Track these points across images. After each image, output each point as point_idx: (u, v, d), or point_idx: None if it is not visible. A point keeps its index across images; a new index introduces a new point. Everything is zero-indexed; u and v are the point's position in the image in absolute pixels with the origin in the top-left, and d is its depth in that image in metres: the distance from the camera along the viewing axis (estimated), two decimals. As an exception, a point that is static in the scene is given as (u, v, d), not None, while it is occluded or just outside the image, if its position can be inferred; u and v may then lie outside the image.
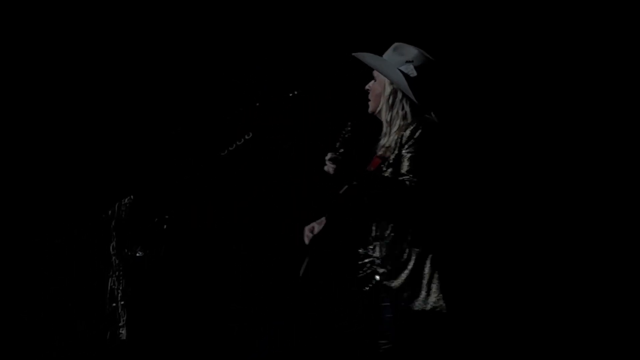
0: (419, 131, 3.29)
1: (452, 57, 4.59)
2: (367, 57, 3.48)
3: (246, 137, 3.51)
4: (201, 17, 4.92)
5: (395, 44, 3.50)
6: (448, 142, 3.37)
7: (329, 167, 3.19)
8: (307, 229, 3.47)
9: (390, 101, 3.42)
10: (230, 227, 4.95)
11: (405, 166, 3.26)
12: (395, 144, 3.34)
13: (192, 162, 4.70)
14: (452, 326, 3.27)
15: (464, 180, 4.28)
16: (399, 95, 3.41)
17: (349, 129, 3.18)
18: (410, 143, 3.28)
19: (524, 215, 4.60)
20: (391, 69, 3.42)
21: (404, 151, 3.28)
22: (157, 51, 4.95)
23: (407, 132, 3.31)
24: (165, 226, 4.03)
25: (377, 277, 3.29)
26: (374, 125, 3.53)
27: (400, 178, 3.24)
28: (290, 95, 3.49)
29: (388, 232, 3.30)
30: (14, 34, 4.92)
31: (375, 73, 3.49)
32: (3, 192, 4.93)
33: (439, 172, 3.30)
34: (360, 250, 3.37)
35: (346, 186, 3.31)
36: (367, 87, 3.50)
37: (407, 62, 3.42)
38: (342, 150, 3.15)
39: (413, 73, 3.39)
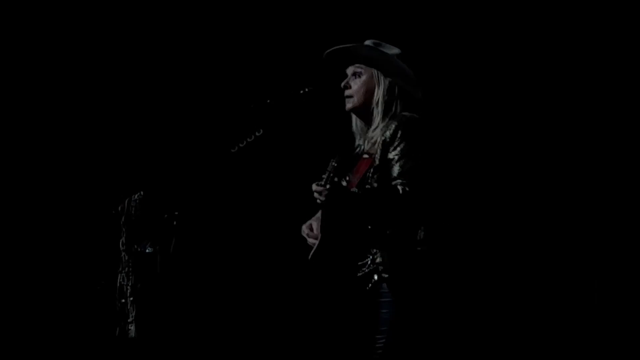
0: (401, 130, 3.25)
1: (446, 54, 4.61)
2: (359, 48, 3.43)
3: (257, 134, 3.50)
4: (213, 14, 4.93)
5: (373, 40, 3.47)
6: (434, 140, 3.33)
7: (318, 198, 3.18)
8: (304, 227, 3.46)
9: (388, 94, 3.38)
10: (240, 224, 4.95)
11: (396, 169, 3.22)
12: (377, 144, 3.31)
13: (202, 158, 4.71)
14: (447, 321, 3.27)
15: (455, 177, 4.27)
16: (396, 88, 3.39)
17: (335, 164, 3.15)
18: (396, 144, 3.24)
19: (518, 211, 4.61)
20: (387, 61, 3.40)
21: (391, 153, 3.24)
22: (168, 48, 4.96)
23: (390, 132, 3.26)
24: (175, 222, 4.03)
25: (376, 277, 3.27)
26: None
27: (393, 183, 3.20)
28: (302, 92, 3.47)
29: (387, 237, 3.28)
30: (18, 35, 4.93)
31: (361, 66, 3.44)
32: (13, 188, 4.94)
33: (430, 172, 3.26)
34: (368, 255, 3.35)
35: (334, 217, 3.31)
36: (347, 83, 3.44)
37: (395, 56, 3.40)
38: (328, 183, 3.12)
39: (405, 67, 3.37)
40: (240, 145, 3.55)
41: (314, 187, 3.19)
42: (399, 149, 3.24)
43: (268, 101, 3.47)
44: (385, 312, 3.25)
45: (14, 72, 4.96)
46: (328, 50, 3.46)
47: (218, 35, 4.97)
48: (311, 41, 4.65)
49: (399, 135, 3.25)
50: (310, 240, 3.43)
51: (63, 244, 4.94)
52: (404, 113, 3.34)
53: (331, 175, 3.12)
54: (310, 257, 3.38)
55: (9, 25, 4.91)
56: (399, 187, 3.18)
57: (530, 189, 4.67)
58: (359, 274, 3.31)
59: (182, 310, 4.80)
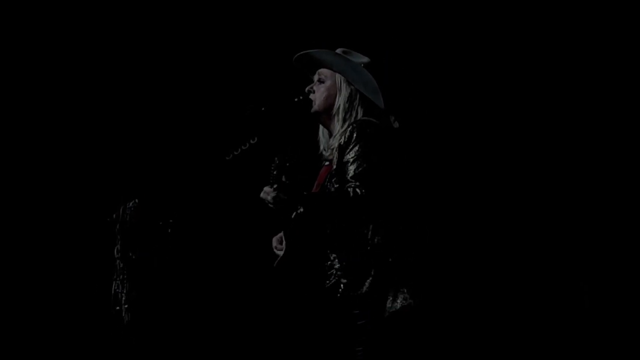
0: (355, 133, 3.25)
1: (436, 55, 4.64)
2: (325, 54, 3.47)
3: (251, 141, 3.51)
4: (207, 23, 4.93)
5: (342, 49, 3.50)
6: (389, 141, 3.33)
7: (268, 202, 3.20)
8: (275, 239, 3.47)
9: (348, 101, 3.40)
10: (235, 231, 4.95)
11: (350, 171, 3.21)
12: (335, 149, 3.32)
13: (197, 166, 4.71)
14: (425, 325, 3.26)
15: (413, 178, 4.27)
16: (358, 96, 3.41)
17: (278, 162, 3.16)
18: (350, 147, 3.24)
19: (508, 214, 4.63)
20: (351, 69, 3.42)
21: (346, 156, 3.25)
22: (162, 56, 4.95)
23: (346, 135, 3.27)
24: (169, 230, 4.03)
25: (342, 287, 3.27)
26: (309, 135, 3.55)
27: (347, 185, 3.19)
28: (296, 100, 3.49)
29: (345, 241, 3.27)
30: (17, 35, 4.92)
31: (325, 72, 3.47)
32: (9, 195, 4.93)
33: (385, 173, 3.25)
34: (327, 263, 3.35)
35: (290, 221, 3.32)
36: (310, 88, 3.47)
37: (361, 64, 3.43)
38: (275, 183, 3.13)
39: (369, 76, 3.40)
40: (235, 152, 3.55)
41: (263, 190, 3.21)
42: (353, 151, 3.24)
43: (262, 109, 3.47)
44: (361, 322, 3.24)
45: (6, 79, 4.95)
46: (295, 56, 3.50)
47: (211, 44, 4.97)
48: (306, 48, 4.67)
49: (353, 138, 3.26)
50: (278, 253, 3.44)
51: (58, 251, 4.93)
52: (361, 118, 3.36)
53: (276, 175, 3.12)
54: (275, 265, 3.39)
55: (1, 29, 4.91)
56: (350, 189, 3.17)
57: (520, 192, 4.67)
58: (327, 284, 3.32)
59: (177, 317, 4.80)
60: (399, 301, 3.19)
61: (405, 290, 3.20)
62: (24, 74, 4.94)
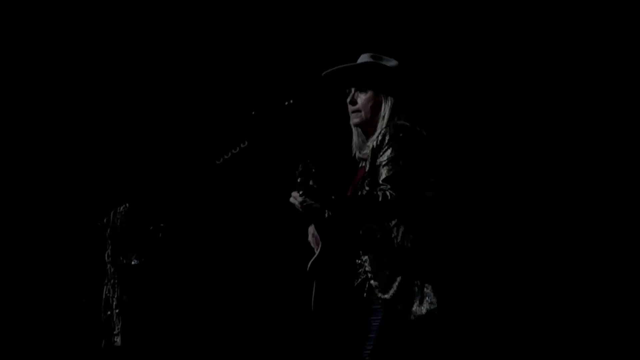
0: (388, 136, 3.23)
1: (443, 57, 4.61)
2: (363, 68, 3.42)
3: (242, 145, 3.49)
4: (198, 28, 4.93)
5: (371, 54, 3.47)
6: (422, 144, 3.30)
7: (297, 207, 3.21)
8: (311, 228, 3.45)
9: (394, 108, 3.37)
10: (226, 235, 4.94)
11: (382, 174, 3.20)
12: (369, 150, 3.30)
13: (187, 170, 4.70)
14: (442, 329, 3.26)
15: (446, 181, 4.25)
16: (401, 101, 3.38)
17: (301, 169, 3.14)
18: (384, 150, 3.23)
19: (507, 215, 4.61)
20: (390, 76, 3.40)
21: (379, 159, 3.23)
22: (153, 61, 4.94)
23: (379, 138, 3.26)
24: (160, 234, 4.02)
25: (367, 286, 3.27)
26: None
27: (378, 188, 3.18)
28: (286, 104, 3.46)
29: (375, 244, 3.27)
30: (14, 36, 4.91)
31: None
32: (1, 199, 4.92)
33: (417, 177, 3.22)
34: (357, 261, 3.35)
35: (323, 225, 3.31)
36: (352, 98, 3.43)
37: (392, 68, 3.41)
38: (302, 188, 3.12)
39: (404, 81, 3.39)
40: (225, 157, 3.54)
41: (291, 195, 3.21)
42: (385, 154, 3.23)
43: (253, 113, 3.45)
44: (374, 318, 3.24)
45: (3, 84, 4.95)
46: (328, 71, 3.44)
47: (202, 49, 4.95)
48: (297, 53, 4.66)
49: (386, 141, 3.24)
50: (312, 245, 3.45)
51: (49, 256, 4.92)
52: (396, 121, 3.34)
53: (302, 180, 3.12)
54: (309, 266, 3.38)
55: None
56: (380, 193, 3.16)
57: (519, 194, 4.66)
58: (355, 284, 3.32)
59: (168, 322, 4.78)
60: (424, 306, 3.19)
61: (432, 295, 3.20)
62: (16, 79, 4.93)
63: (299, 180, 3.11)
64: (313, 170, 3.11)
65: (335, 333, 3.80)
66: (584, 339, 4.47)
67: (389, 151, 3.22)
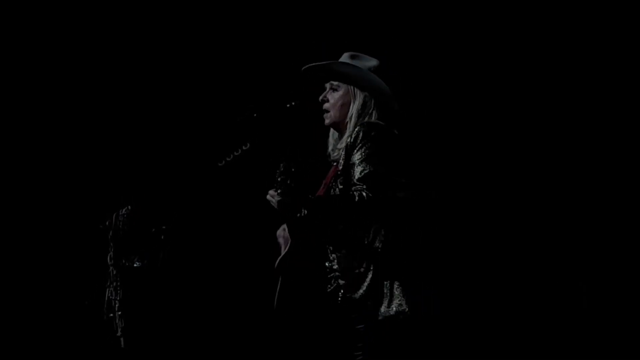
0: (362, 135, 3.25)
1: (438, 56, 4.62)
2: (335, 65, 3.45)
3: (243, 147, 3.50)
4: (198, 29, 4.93)
5: (350, 53, 3.48)
6: (395, 143, 3.32)
7: (273, 204, 3.24)
8: (281, 227, 3.48)
9: (362, 109, 3.39)
10: (228, 238, 4.94)
11: (356, 173, 3.21)
12: (342, 149, 3.33)
13: (189, 172, 4.70)
14: (422, 330, 3.25)
15: (418, 181, 4.25)
16: (372, 101, 3.40)
17: (282, 169, 3.16)
18: (357, 149, 3.25)
19: (507, 215, 4.62)
20: (362, 76, 3.41)
21: (352, 157, 3.25)
22: (154, 63, 4.94)
23: (352, 136, 3.27)
24: (162, 236, 4.02)
25: (342, 290, 3.27)
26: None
27: (353, 188, 3.20)
28: (288, 106, 3.47)
29: (344, 244, 3.28)
30: (14, 36, 4.91)
31: (335, 81, 3.46)
32: (1, 202, 4.92)
33: (390, 177, 3.23)
34: (326, 264, 3.36)
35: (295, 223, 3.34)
36: (324, 97, 3.46)
37: (370, 69, 3.41)
38: (280, 187, 3.14)
39: (380, 81, 3.39)
40: (228, 158, 3.54)
41: (268, 193, 3.24)
42: (359, 153, 3.24)
43: (255, 115, 3.46)
44: (360, 327, 3.24)
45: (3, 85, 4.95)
46: (304, 68, 3.48)
47: (203, 50, 4.96)
48: (298, 54, 4.65)
49: (359, 140, 3.26)
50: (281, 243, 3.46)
51: (51, 258, 4.92)
52: (368, 120, 3.36)
53: (281, 179, 3.13)
54: (276, 264, 3.40)
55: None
56: (356, 193, 3.17)
57: (518, 193, 4.67)
58: (329, 289, 3.32)
59: (171, 324, 4.79)
60: (393, 306, 3.19)
61: (401, 296, 3.19)
62: (18, 81, 4.93)
63: (278, 179, 3.13)
64: (292, 169, 3.12)
65: (296, 330, 3.81)
66: (584, 339, 4.47)
67: (362, 149, 3.24)
